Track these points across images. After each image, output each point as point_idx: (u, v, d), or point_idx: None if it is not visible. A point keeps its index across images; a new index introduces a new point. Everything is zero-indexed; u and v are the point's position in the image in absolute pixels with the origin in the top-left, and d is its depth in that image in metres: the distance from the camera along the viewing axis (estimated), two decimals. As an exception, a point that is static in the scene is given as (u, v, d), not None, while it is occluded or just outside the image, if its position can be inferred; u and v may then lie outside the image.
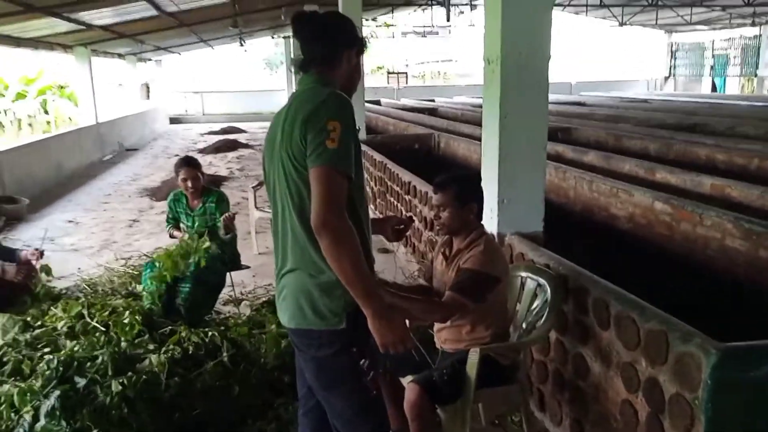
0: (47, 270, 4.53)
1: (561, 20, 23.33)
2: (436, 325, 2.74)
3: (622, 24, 21.14)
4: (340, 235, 1.69)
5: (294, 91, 2.00)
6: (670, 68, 26.82)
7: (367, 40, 2.11)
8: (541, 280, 2.74)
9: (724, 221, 3.78)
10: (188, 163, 4.13)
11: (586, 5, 18.53)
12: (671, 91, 25.57)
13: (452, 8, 18.44)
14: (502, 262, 2.64)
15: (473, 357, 2.43)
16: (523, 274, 2.88)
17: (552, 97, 18.88)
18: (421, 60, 33.19)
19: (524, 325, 2.74)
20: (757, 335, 2.08)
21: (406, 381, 2.51)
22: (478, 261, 2.50)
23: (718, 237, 3.82)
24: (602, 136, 8.75)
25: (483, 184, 3.54)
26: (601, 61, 31.25)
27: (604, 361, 2.52)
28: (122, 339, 3.02)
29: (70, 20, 9.63)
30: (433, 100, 20.00)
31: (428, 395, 2.39)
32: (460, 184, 2.62)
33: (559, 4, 18.37)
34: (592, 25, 25.61)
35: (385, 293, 2.26)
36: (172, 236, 4.33)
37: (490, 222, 3.55)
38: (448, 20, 16.96)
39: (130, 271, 5.09)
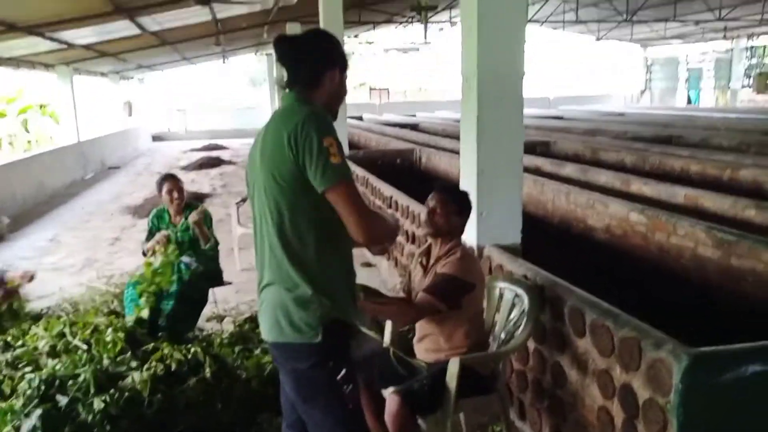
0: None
1: (540, 35, 23.74)
2: (417, 337, 2.78)
3: (598, 39, 21.56)
4: (381, 234, 1.96)
5: (278, 107, 2.05)
6: (646, 82, 27.36)
7: (348, 57, 2.17)
8: (519, 291, 2.80)
9: (697, 231, 3.88)
10: (171, 176, 4.19)
11: (563, 21, 18.88)
12: (647, 104, 26.07)
13: (432, 25, 18.70)
14: (478, 271, 2.72)
15: (453, 367, 2.48)
16: (501, 284, 2.94)
17: (531, 111, 19.14)
18: (403, 76, 33.50)
19: (503, 335, 2.79)
20: (730, 341, 2.14)
21: (388, 393, 2.54)
22: (454, 267, 2.58)
23: (691, 246, 3.92)
24: (580, 149, 8.91)
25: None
26: (579, 76, 31.75)
27: (580, 368, 2.58)
28: (104, 356, 3.01)
29: (52, 39, 9.61)
30: (414, 115, 20.19)
31: (409, 406, 2.42)
32: (463, 194, 2.80)
33: (536, 20, 18.70)
34: (570, 40, 26.04)
35: (362, 302, 2.33)
36: (144, 254, 4.31)
37: (469, 234, 3.61)
38: (425, 38, 17.28)
39: (112, 290, 5.07)
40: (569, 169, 6.95)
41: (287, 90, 1.96)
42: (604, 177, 6.26)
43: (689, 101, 25.53)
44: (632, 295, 3.72)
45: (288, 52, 1.94)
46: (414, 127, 15.64)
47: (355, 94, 27.17)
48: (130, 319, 3.76)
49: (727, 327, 3.21)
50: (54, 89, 14.15)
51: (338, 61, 1.98)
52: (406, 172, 8.95)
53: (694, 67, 25.43)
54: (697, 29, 20.95)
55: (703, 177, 6.40)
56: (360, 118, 19.04)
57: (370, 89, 24.18)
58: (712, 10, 16.90)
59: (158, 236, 4.01)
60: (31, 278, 4.38)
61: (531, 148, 9.31)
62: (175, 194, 4.08)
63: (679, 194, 5.13)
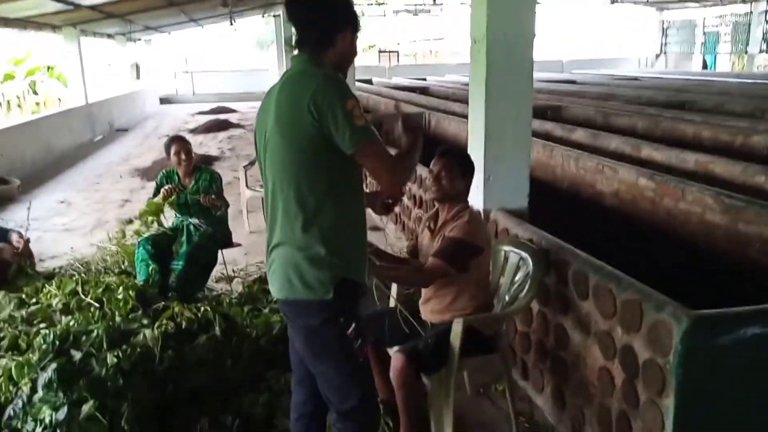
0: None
1: (553, -3, 23.22)
2: (422, 298, 2.82)
3: (613, 1, 21.06)
4: (408, 178, 2.09)
5: (287, 69, 2.04)
6: (662, 45, 26.81)
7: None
8: (524, 254, 2.82)
9: (705, 196, 3.86)
10: (179, 138, 4.22)
11: (578, -18, 18.45)
12: (662, 68, 25.57)
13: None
14: (485, 234, 2.74)
15: (457, 327, 2.52)
16: (506, 248, 2.96)
17: (543, 75, 18.82)
18: (413, 38, 33.00)
19: (507, 297, 2.83)
20: (734, 305, 2.15)
21: (393, 351, 2.60)
22: (462, 230, 2.60)
23: (699, 211, 3.91)
24: (591, 114, 8.80)
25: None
26: (593, 38, 31.14)
27: (583, 330, 2.62)
28: (116, 314, 3.08)
29: (58, 0, 9.53)
30: (424, 79, 19.95)
31: (413, 364, 2.48)
32: (465, 156, 2.79)
33: (550, -18, 18.26)
34: (585, 2, 25.46)
35: (374, 265, 2.37)
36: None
37: (476, 198, 3.62)
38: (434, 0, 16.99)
39: (122, 250, 5.14)
40: (579, 134, 6.89)
41: (297, 50, 1.96)
42: (614, 142, 6.20)
43: (705, 66, 25.03)
44: (640, 260, 3.76)
45: (299, 11, 1.92)
46: (424, 90, 15.46)
47: (364, 57, 26.88)
48: (139, 269, 3.86)
49: (732, 292, 3.23)
50: (61, 51, 14.08)
51: (350, 21, 1.96)
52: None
53: (711, 31, 24.85)
54: (715, -9, 20.45)
55: (715, 143, 6.32)
56: (369, 82, 18.83)
57: (379, 52, 23.88)
58: (732, -29, 16.45)
59: (166, 188, 4.05)
60: (27, 241, 4.46)
61: (542, 112, 9.21)
62: (183, 156, 4.10)
63: (690, 160, 5.09)
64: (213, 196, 4.06)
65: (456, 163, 2.68)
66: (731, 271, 3.63)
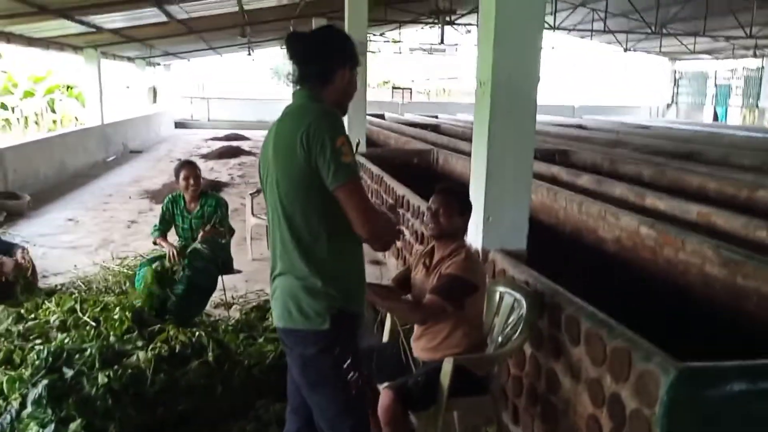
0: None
1: (568, 43, 23.60)
2: (414, 335, 2.83)
3: (626, 50, 21.36)
4: (382, 232, 1.98)
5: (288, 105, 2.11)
6: (673, 95, 27.04)
7: (360, 53, 2.21)
8: (518, 296, 2.84)
9: (704, 248, 3.87)
10: (189, 163, 4.30)
11: (591, 30, 18.75)
12: (673, 118, 25.77)
13: (460, 27, 18.68)
14: (481, 273, 2.76)
15: (447, 366, 2.52)
16: (502, 288, 2.97)
17: (554, 119, 18.93)
18: (427, 76, 33.50)
19: (500, 339, 2.83)
20: (726, 359, 2.15)
21: (382, 388, 2.60)
22: (459, 267, 2.62)
23: (699, 263, 3.91)
24: (598, 160, 8.87)
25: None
26: (605, 85, 31.48)
27: (574, 376, 2.61)
28: (111, 334, 3.11)
29: (81, 23, 9.81)
30: (436, 116, 20.19)
31: (401, 401, 2.47)
32: (464, 194, 2.83)
33: (564, 28, 18.59)
34: (599, 50, 25.81)
35: (372, 295, 2.40)
36: (155, 243, 4.42)
37: (475, 238, 3.65)
38: (441, 42, 17.50)
39: (125, 271, 5.19)
40: (585, 179, 6.94)
41: (298, 87, 2.02)
42: (618, 189, 6.24)
43: (716, 117, 25.21)
44: (638, 309, 3.76)
45: (299, 49, 1.99)
46: (435, 128, 15.66)
47: (378, 92, 27.28)
48: (138, 292, 3.88)
49: (728, 344, 3.21)
50: (81, 71, 14.40)
51: (349, 58, 2.02)
52: (422, 172, 8.99)
53: (722, 83, 25.09)
54: (727, 45, 20.68)
55: (721, 195, 6.34)
56: (382, 117, 19.09)
57: (393, 88, 24.22)
58: (743, 26, 16.67)
59: (171, 250, 4.10)
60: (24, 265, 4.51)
61: (550, 156, 9.29)
62: (192, 181, 4.17)
63: (693, 211, 5.11)
64: (210, 227, 4.11)
65: (455, 201, 2.71)
66: (728, 323, 3.61)
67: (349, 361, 1.99)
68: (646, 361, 2.11)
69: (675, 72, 26.95)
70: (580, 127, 17.03)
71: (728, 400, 2.02)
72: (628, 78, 31.21)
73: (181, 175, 4.18)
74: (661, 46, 21.22)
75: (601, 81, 32.01)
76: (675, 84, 27.07)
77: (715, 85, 25.21)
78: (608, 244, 4.91)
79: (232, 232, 4.39)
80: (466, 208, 2.76)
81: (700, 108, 26.05)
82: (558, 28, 17.42)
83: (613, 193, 6.25)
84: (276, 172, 1.95)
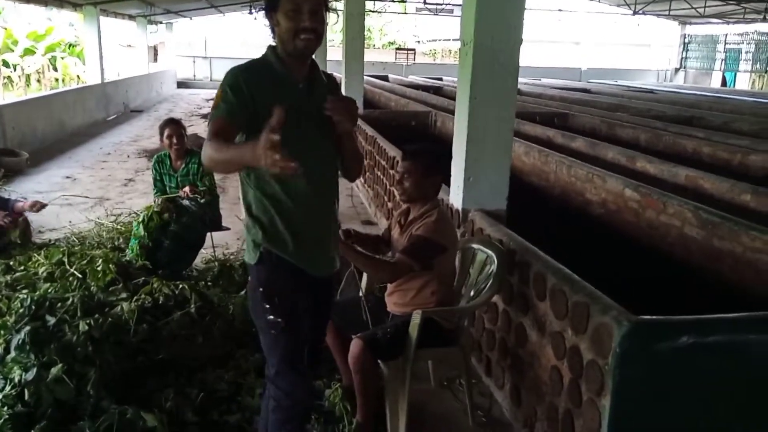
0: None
1: (574, 5, 23.16)
2: (388, 289, 2.90)
3: (635, 13, 20.94)
4: (208, 152, 1.80)
5: None
6: (681, 60, 26.60)
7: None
8: (490, 252, 2.89)
9: (684, 210, 3.90)
10: (173, 121, 4.31)
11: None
12: (680, 83, 25.40)
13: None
14: (451, 234, 2.81)
15: (416, 318, 2.60)
16: (476, 246, 3.03)
17: (559, 82, 18.62)
18: (432, 37, 32.97)
19: (471, 293, 2.91)
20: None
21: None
22: (428, 229, 2.68)
23: (678, 225, 3.95)
24: (597, 124, 8.83)
25: (453, 161, 3.70)
26: (614, 48, 30.91)
27: (540, 330, 2.69)
28: (93, 284, 3.20)
29: (78, -22, 9.72)
30: (441, 78, 19.97)
31: (371, 351, 2.56)
32: (429, 157, 2.81)
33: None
34: (608, 11, 25.29)
35: (345, 246, 2.47)
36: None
37: (456, 197, 3.71)
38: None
39: (119, 227, 5.28)
40: (579, 143, 6.93)
41: None
42: (611, 152, 6.24)
43: (724, 83, 24.83)
44: (620, 270, 3.82)
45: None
46: (437, 90, 15.51)
47: (382, 54, 26.92)
48: (132, 248, 3.97)
49: (702, 307, 3.27)
50: (80, 29, 14.28)
51: (269, 4, 2.03)
52: (420, 135, 8.98)
53: (732, 48, 24.62)
54: (738, 8, 20.23)
55: (714, 160, 6.34)
56: (386, 79, 18.90)
57: (396, 50, 23.89)
58: (755, -11, 16.31)
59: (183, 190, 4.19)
60: (40, 207, 4.57)
61: (549, 119, 9.25)
62: (175, 140, 4.20)
63: (681, 174, 5.12)
64: (189, 188, 4.15)
65: (419, 164, 2.73)
66: (706, 285, 3.67)
67: (268, 304, 2.07)
68: (603, 314, 2.18)
69: (684, 36, 26.44)
70: (584, 90, 16.85)
71: (678, 353, 2.08)
72: (638, 41, 30.65)
73: (165, 134, 4.21)
74: (670, 9, 20.76)
75: (611, 44, 31.45)
76: (684, 48, 26.59)
77: (725, 50, 24.75)
78: (595, 207, 4.95)
79: (212, 190, 4.38)
80: (433, 170, 2.77)
81: (708, 73, 25.66)
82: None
83: (605, 157, 6.25)
84: None
